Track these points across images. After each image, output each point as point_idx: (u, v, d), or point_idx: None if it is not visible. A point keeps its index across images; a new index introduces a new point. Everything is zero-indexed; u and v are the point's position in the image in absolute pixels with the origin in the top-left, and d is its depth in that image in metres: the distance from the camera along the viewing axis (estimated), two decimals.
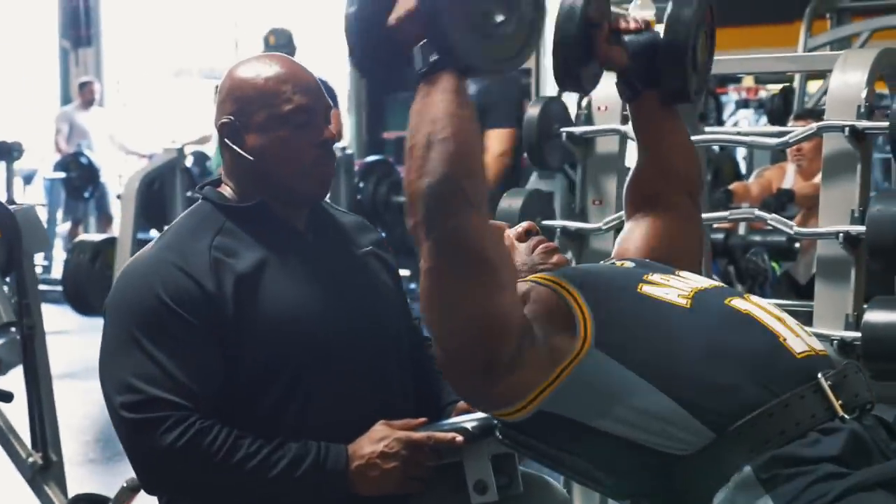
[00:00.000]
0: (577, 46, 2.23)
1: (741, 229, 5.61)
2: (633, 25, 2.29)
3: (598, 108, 3.47)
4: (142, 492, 2.82)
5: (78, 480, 3.27)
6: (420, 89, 1.90)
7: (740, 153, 8.52)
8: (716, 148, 7.93)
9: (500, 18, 1.92)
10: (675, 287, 2.03)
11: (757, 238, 5.28)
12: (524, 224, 2.33)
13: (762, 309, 2.01)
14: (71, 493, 3.47)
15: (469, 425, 2.17)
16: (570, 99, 4.20)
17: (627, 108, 2.40)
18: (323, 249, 2.34)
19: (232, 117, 2.27)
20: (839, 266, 3.12)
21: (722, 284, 2.17)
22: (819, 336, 2.99)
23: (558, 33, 2.23)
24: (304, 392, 2.21)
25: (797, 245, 5.28)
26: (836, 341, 3.05)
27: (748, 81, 12.83)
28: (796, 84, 6.94)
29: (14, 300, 3.49)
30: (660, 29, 2.30)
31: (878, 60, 3.16)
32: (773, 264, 5.46)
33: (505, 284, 1.90)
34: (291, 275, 2.25)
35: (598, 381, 1.91)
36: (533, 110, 3.49)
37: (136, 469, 2.21)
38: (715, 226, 5.77)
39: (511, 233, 2.30)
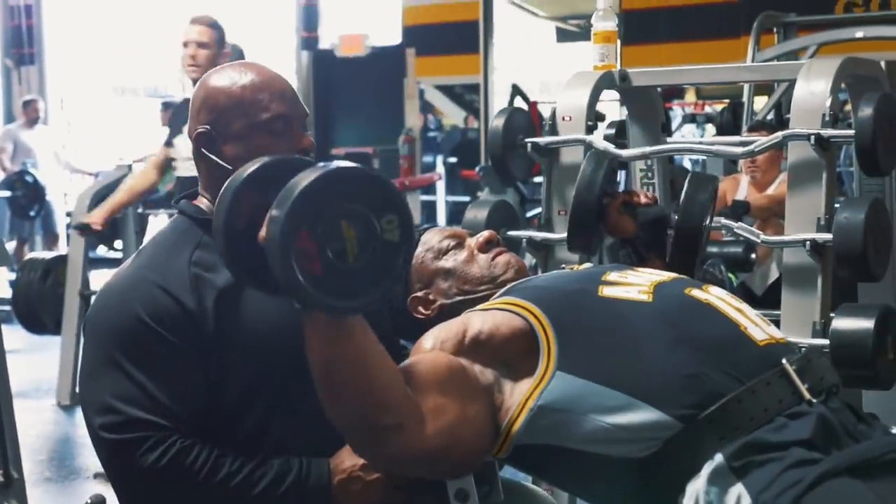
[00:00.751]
0: (591, 214, 2.51)
1: None
2: (643, 200, 2.49)
3: (563, 118, 3.47)
4: None
5: (35, 500, 3.21)
6: (304, 324, 1.89)
7: (688, 165, 8.59)
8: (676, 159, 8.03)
9: (357, 253, 1.82)
10: (634, 283, 2.05)
11: (714, 249, 5.28)
12: (485, 234, 2.34)
13: (721, 299, 2.03)
14: None
15: None
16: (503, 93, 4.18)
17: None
18: None
19: (208, 126, 2.24)
20: (806, 274, 3.14)
21: (680, 276, 2.18)
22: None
23: (577, 201, 2.52)
24: (288, 407, 2.18)
25: (753, 256, 5.29)
26: (803, 349, 3.06)
27: (690, 97, 12.95)
28: (745, 98, 6.99)
29: None
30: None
31: (841, 69, 3.19)
32: (730, 275, 5.47)
33: (459, 443, 1.95)
34: None
35: (563, 403, 1.92)
36: (497, 121, 3.48)
37: (116, 490, 2.17)
38: None
39: (472, 242, 2.32)
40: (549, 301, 2.02)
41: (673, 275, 2.16)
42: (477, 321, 2.02)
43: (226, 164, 2.22)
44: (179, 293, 2.14)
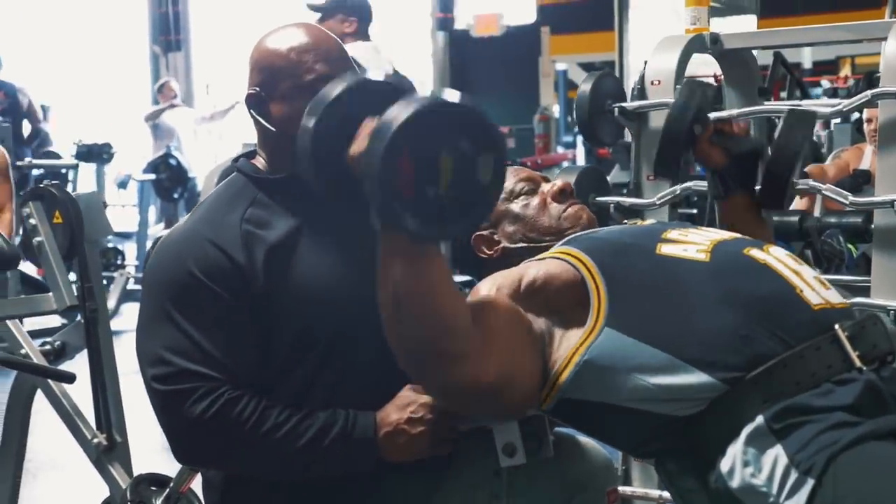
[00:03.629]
0: (681, 142, 2.43)
1: (816, 211, 5.51)
2: (735, 129, 2.44)
3: (651, 83, 3.43)
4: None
5: (153, 467, 3.30)
6: (382, 244, 1.89)
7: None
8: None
9: (450, 184, 1.82)
10: (694, 242, 2.02)
11: (832, 220, 5.16)
12: (559, 183, 2.31)
13: (779, 260, 1.99)
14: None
15: None
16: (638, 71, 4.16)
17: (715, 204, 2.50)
18: (356, 219, 2.33)
19: (258, 88, 2.29)
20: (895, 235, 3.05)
21: (742, 236, 2.15)
22: (876, 307, 2.95)
23: (667, 127, 2.44)
24: (337, 363, 2.21)
25: (873, 226, 5.16)
26: (893, 312, 2.99)
27: (846, 71, 12.65)
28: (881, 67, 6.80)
29: (77, 285, 3.56)
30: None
31: None
32: (850, 246, 5.34)
33: (512, 383, 1.95)
34: (324, 245, 2.26)
35: (610, 360, 1.92)
36: (585, 86, 3.46)
37: (168, 439, 2.24)
38: (791, 207, 5.68)
39: (546, 189, 2.29)
40: (605, 255, 2.01)
41: (735, 235, 2.13)
42: (532, 270, 2.03)
43: (270, 127, 2.26)
44: (231, 248, 2.19)
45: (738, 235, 2.14)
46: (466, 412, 2.09)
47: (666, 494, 3.37)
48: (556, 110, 13.18)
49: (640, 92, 3.46)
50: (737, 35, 3.59)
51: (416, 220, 1.82)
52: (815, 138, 7.81)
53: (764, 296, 1.93)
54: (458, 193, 1.83)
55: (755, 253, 2.01)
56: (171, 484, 3.17)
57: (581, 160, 12.81)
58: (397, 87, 2.09)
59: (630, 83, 3.64)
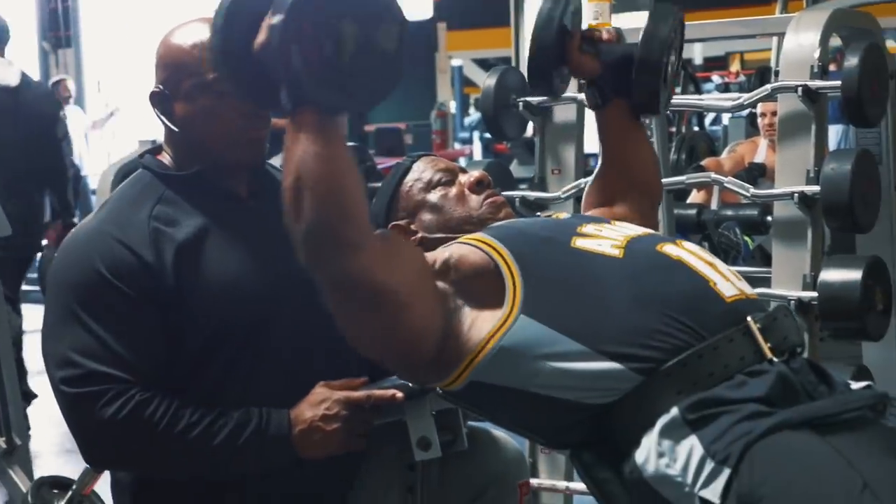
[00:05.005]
0: (552, 52, 2.32)
1: (713, 204, 5.60)
2: (605, 36, 2.36)
3: None
4: (106, 472, 2.84)
5: (56, 469, 3.25)
6: (287, 128, 1.86)
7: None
8: (695, 127, 7.97)
9: (354, 52, 1.81)
10: (608, 237, 2.03)
11: (729, 213, 5.24)
12: (476, 174, 2.30)
13: (693, 254, 2.01)
14: None
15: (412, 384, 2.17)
16: None
17: (594, 115, 2.42)
18: (266, 215, 2.29)
19: (161, 86, 2.26)
20: (795, 227, 3.12)
21: (654, 233, 2.16)
22: (776, 297, 3.01)
23: (535, 39, 2.32)
24: (251, 359, 2.19)
25: (769, 218, 5.25)
26: (793, 301, 3.05)
27: (735, 67, 12.89)
28: (772, 62, 6.93)
29: None
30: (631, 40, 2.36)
31: (831, 20, 3.16)
32: (746, 238, 5.43)
33: (407, 303, 1.91)
34: (233, 242, 2.23)
35: (524, 347, 1.91)
36: (490, 80, 3.47)
37: (78, 443, 2.20)
38: (688, 201, 5.77)
39: (463, 180, 2.29)
40: (520, 245, 2.00)
41: (648, 231, 2.14)
42: (447, 252, 2.02)
43: (173, 127, 2.24)
44: (138, 247, 2.16)
45: (651, 232, 2.15)
46: (362, 325, 1.97)
47: (573, 485, 3.41)
48: (452, 106, 13.24)
49: None
50: (638, 30, 3.61)
51: (322, 90, 1.80)
52: (708, 131, 7.96)
53: (678, 291, 1.94)
54: (362, 63, 1.82)
55: (668, 249, 2.02)
56: (74, 486, 3.13)
57: (478, 155, 12.87)
58: None
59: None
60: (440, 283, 1.98)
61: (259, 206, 2.30)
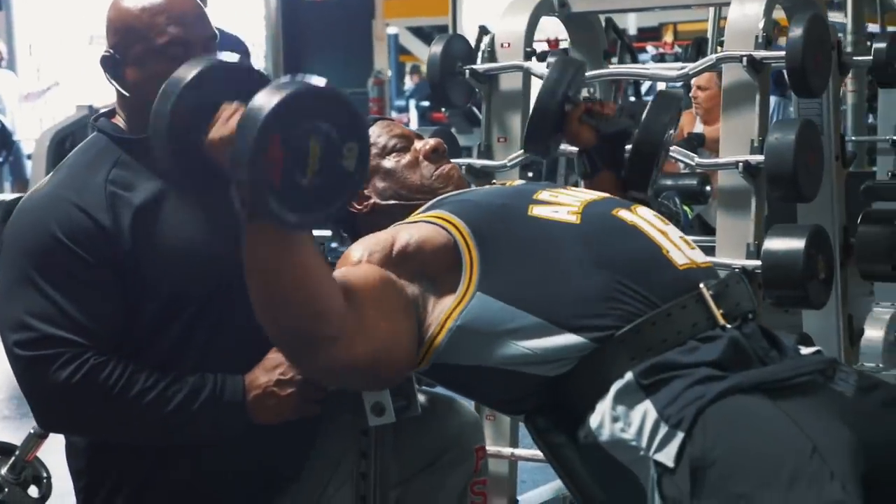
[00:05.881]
0: (552, 120, 2.42)
1: None
2: (606, 110, 2.44)
3: (502, 45, 3.46)
4: (50, 437, 2.82)
5: None
6: (247, 233, 1.84)
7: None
8: (632, 97, 8.01)
9: (318, 170, 1.78)
10: (565, 203, 2.05)
11: (669, 182, 5.29)
12: (432, 142, 2.31)
13: (647, 221, 2.03)
14: None
15: None
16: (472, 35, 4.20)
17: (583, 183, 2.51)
18: (221, 178, 2.30)
19: (112, 50, 2.24)
20: (740, 196, 3.15)
21: (610, 196, 2.18)
22: (721, 266, 3.04)
23: (538, 106, 2.42)
24: (208, 324, 2.20)
25: (708, 188, 5.30)
26: (737, 270, 3.07)
27: (668, 37, 12.94)
28: (709, 34, 6.98)
29: None
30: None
31: None
32: (686, 208, 5.49)
33: (390, 349, 1.93)
34: (190, 205, 2.22)
35: (482, 325, 1.93)
36: (436, 48, 3.47)
37: (31, 406, 2.19)
38: None
39: (419, 146, 2.29)
40: (477, 218, 2.01)
41: (605, 195, 2.16)
42: (405, 234, 2.01)
43: (124, 91, 2.22)
44: (95, 211, 2.15)
45: (607, 195, 2.17)
46: (350, 386, 2.09)
47: (518, 451, 3.43)
48: (388, 74, 13.20)
49: (490, 54, 3.48)
50: None
51: (284, 209, 1.77)
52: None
53: (631, 257, 1.97)
54: (323, 181, 1.79)
55: (623, 214, 2.05)
56: (17, 452, 3.11)
57: (414, 124, 12.84)
58: (251, 69, 2.10)
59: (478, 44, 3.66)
60: (400, 280, 1.98)
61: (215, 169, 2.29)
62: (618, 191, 2.41)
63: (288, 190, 1.76)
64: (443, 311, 1.95)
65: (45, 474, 3.12)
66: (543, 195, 2.08)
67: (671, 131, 2.53)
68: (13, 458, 3.09)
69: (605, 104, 2.48)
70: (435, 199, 2.16)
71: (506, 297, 1.93)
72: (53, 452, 2.71)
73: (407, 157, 2.28)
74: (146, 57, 2.21)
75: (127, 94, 2.25)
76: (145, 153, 2.23)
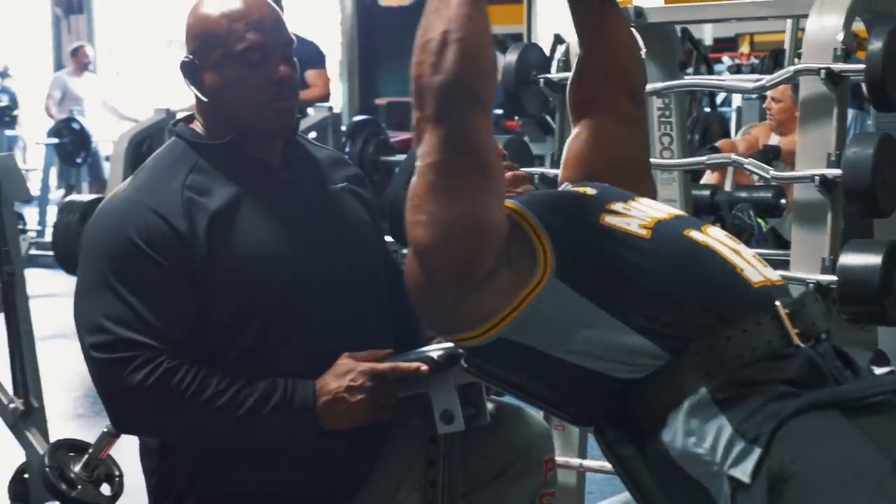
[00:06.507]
0: None
1: (727, 185, 5.62)
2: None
3: (576, 54, 3.45)
4: (123, 437, 2.85)
5: (69, 433, 3.28)
6: None
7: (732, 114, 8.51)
8: (707, 108, 7.96)
9: None
10: (636, 217, 2.03)
11: (743, 194, 5.26)
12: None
13: (719, 241, 2.02)
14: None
15: (434, 355, 2.19)
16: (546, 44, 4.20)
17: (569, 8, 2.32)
18: (298, 185, 2.32)
19: (191, 56, 2.27)
20: (816, 210, 3.12)
21: (681, 213, 2.17)
22: (795, 280, 3.01)
23: None
24: (280, 332, 2.21)
25: (783, 201, 5.26)
26: (812, 285, 3.05)
27: (745, 48, 12.83)
28: (786, 45, 6.93)
29: None
30: None
31: (855, 2, 3.14)
32: (760, 220, 5.45)
33: (498, 191, 1.90)
34: (265, 212, 2.25)
35: (557, 311, 1.91)
36: (511, 56, 3.47)
37: (106, 407, 2.23)
38: (701, 181, 5.78)
39: None
40: (549, 215, 1.99)
41: (675, 212, 2.15)
42: None
43: (203, 97, 2.25)
44: (172, 216, 2.17)
45: (678, 213, 2.15)
46: (440, 193, 1.88)
47: (586, 463, 3.42)
48: None
49: (565, 63, 3.48)
50: (661, 9, 3.64)
51: None
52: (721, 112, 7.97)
53: (705, 275, 1.95)
54: None
55: (695, 234, 2.03)
56: (91, 450, 3.15)
57: None
58: None
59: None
60: None
61: (291, 176, 2.32)
62: (605, 2, 2.29)
63: None
64: (518, 290, 1.93)
65: (117, 473, 3.18)
66: (616, 206, 2.07)
67: None
68: (87, 456, 3.15)
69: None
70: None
71: (582, 290, 1.92)
72: (126, 451, 2.74)
73: None
74: (224, 62, 2.23)
75: (205, 99, 2.27)
76: (223, 158, 2.26)
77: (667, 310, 1.89)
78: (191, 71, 2.27)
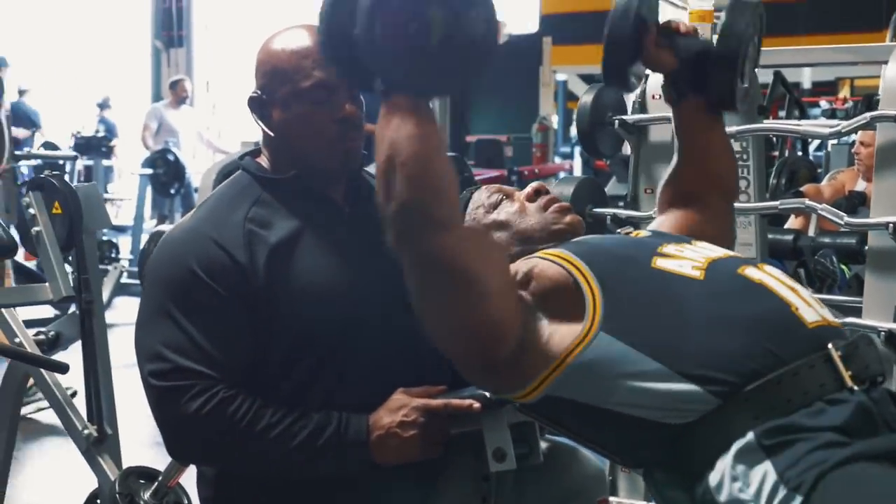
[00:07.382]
0: (628, 46, 2.26)
1: (811, 230, 5.54)
2: (682, 29, 2.32)
3: (653, 97, 3.46)
4: (192, 466, 2.89)
5: (147, 460, 3.31)
6: (381, 110, 1.87)
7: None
8: (799, 152, 7.87)
9: (442, 37, 1.78)
10: (689, 258, 2.03)
11: (826, 240, 5.19)
12: (533, 185, 2.33)
13: (775, 279, 2.00)
14: None
15: (488, 393, 2.19)
16: None
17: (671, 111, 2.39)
18: (359, 221, 2.34)
19: (259, 92, 2.31)
20: (889, 257, 3.09)
21: (736, 254, 2.16)
22: (867, 328, 2.97)
23: (610, 32, 2.26)
24: (335, 367, 2.23)
25: (867, 247, 5.18)
26: (883, 333, 3.01)
27: (845, 92, 12.70)
28: (881, 90, 6.84)
29: (74, 275, 3.57)
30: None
31: None
32: (843, 266, 5.36)
33: (490, 292, 1.89)
34: (326, 247, 2.27)
35: (603, 364, 1.91)
36: (586, 98, 3.49)
37: (162, 435, 2.25)
38: (786, 226, 5.71)
39: (521, 195, 2.31)
40: (600, 262, 2.00)
41: (729, 252, 2.14)
42: (524, 264, 2.03)
43: (269, 131, 2.29)
44: (232, 248, 2.20)
45: (732, 254, 2.14)
46: (441, 311, 1.94)
47: None
48: (554, 120, 13.22)
49: (641, 105, 3.49)
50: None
51: (411, 74, 1.80)
52: (811, 158, 7.87)
53: (759, 314, 1.94)
54: (451, 47, 1.79)
55: (750, 272, 2.02)
56: (160, 478, 3.19)
57: (578, 171, 12.82)
58: None
59: (630, 96, 3.65)
60: (521, 292, 1.99)
61: (354, 213, 2.34)
62: (706, 112, 2.33)
63: (415, 56, 1.78)
64: (562, 345, 1.93)
65: (185, 501, 3.21)
66: (668, 248, 2.07)
67: (755, 38, 2.36)
68: (156, 484, 3.18)
69: (680, 23, 2.35)
70: (555, 243, 2.17)
71: (629, 339, 1.91)
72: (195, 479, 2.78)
73: (514, 205, 2.30)
74: (291, 99, 2.27)
75: (272, 134, 2.31)
76: (286, 193, 2.29)
77: (718, 355, 1.88)
78: (258, 106, 2.31)
